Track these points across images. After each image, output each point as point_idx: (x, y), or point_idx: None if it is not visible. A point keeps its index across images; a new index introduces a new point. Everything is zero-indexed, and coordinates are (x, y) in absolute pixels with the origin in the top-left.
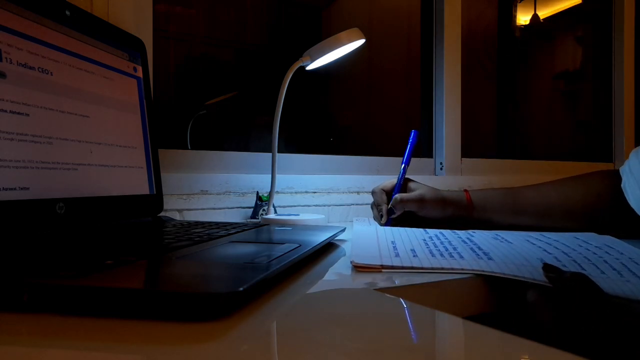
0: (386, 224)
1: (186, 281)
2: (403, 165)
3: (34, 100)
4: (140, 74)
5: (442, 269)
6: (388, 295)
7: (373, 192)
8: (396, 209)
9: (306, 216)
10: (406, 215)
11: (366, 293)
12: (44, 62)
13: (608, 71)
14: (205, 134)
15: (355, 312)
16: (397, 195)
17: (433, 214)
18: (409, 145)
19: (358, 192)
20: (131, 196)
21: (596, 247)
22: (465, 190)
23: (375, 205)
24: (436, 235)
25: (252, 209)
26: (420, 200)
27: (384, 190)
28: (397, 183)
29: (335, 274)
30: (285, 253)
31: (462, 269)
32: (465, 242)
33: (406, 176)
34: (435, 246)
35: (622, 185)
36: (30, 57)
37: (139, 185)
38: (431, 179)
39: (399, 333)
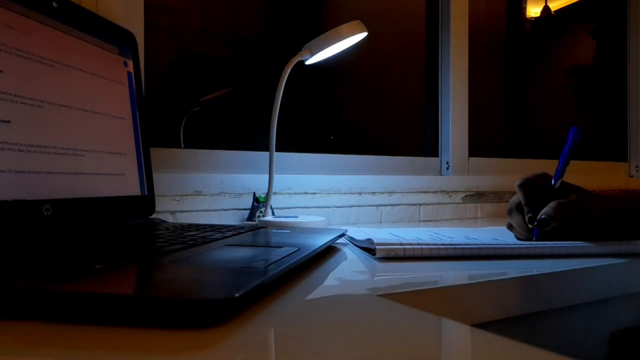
0: (532, 237)
1: (179, 287)
2: (561, 163)
3: (18, 97)
4: (131, 68)
5: (461, 244)
6: (391, 301)
7: (519, 187)
8: (553, 220)
9: (305, 218)
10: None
11: (368, 299)
12: (29, 56)
13: (623, 66)
14: (199, 132)
15: (357, 319)
16: (554, 202)
17: (596, 219)
18: (567, 142)
19: (360, 193)
20: (121, 197)
21: None
22: None
23: (520, 207)
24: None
25: (248, 211)
26: (582, 204)
27: (532, 186)
28: (554, 179)
29: (336, 279)
30: (284, 257)
31: (482, 245)
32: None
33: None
34: (441, 239)
35: None
36: (15, 52)
37: (129, 185)
38: (437, 179)
39: (403, 341)
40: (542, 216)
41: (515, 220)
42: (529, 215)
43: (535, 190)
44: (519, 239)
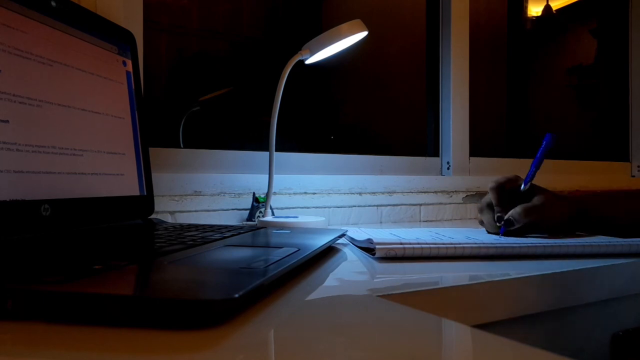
0: (499, 233)
1: (178, 287)
2: (533, 168)
3: (16, 97)
4: (130, 68)
5: (461, 243)
6: (391, 302)
7: (492, 189)
8: (517, 222)
9: (305, 218)
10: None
11: (369, 300)
12: (28, 56)
13: (625, 65)
14: (198, 132)
15: (357, 319)
16: (519, 207)
17: (554, 220)
18: (541, 148)
19: (360, 193)
20: (120, 197)
21: None
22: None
23: (491, 206)
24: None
25: (248, 211)
26: (543, 208)
27: (502, 188)
28: (523, 184)
29: (336, 279)
30: (283, 257)
31: (483, 245)
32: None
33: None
34: (441, 240)
35: None
36: (14, 52)
37: (128, 186)
38: (437, 179)
39: (403, 341)
40: (508, 217)
41: (486, 217)
42: (498, 214)
43: (504, 192)
44: (489, 232)
